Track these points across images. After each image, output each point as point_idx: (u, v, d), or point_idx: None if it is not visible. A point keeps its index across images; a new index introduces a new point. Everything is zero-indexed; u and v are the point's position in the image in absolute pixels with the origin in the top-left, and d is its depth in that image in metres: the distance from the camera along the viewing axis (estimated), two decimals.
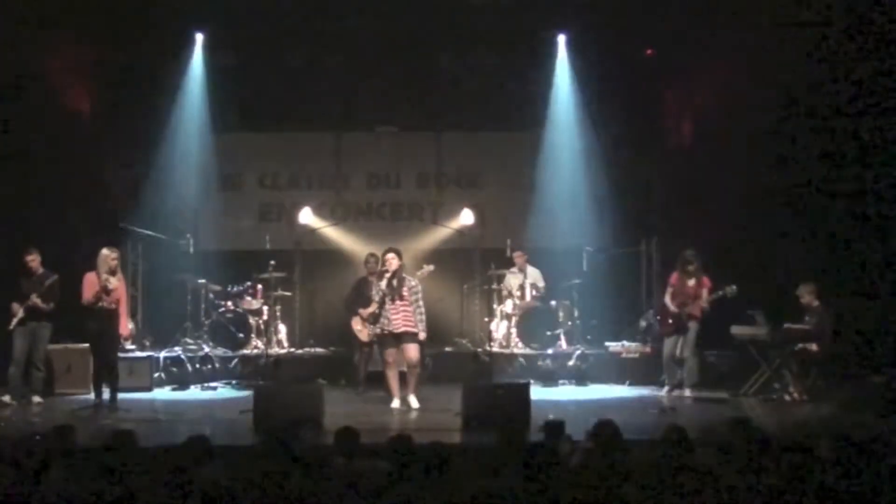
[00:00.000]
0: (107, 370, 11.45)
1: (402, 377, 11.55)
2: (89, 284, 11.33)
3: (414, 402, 11.37)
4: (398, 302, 11.29)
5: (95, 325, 11.36)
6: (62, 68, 13.71)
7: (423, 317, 11.42)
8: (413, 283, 11.42)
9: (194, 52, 14.93)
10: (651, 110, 14.93)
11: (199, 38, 14.93)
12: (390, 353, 11.39)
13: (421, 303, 11.41)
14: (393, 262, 11.30)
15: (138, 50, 14.22)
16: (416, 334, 11.31)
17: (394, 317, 11.28)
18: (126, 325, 11.81)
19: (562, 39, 15.29)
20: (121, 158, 14.55)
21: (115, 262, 11.43)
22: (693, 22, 13.77)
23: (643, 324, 14.26)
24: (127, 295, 12.06)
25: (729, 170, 14.06)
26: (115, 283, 11.40)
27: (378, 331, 11.68)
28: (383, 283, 11.34)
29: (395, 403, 11.41)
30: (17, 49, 13.03)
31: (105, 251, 11.43)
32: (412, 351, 11.31)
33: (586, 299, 14.68)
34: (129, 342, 13.29)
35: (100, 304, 11.28)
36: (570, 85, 15.35)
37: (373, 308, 12.32)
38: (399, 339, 11.32)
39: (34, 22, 13.00)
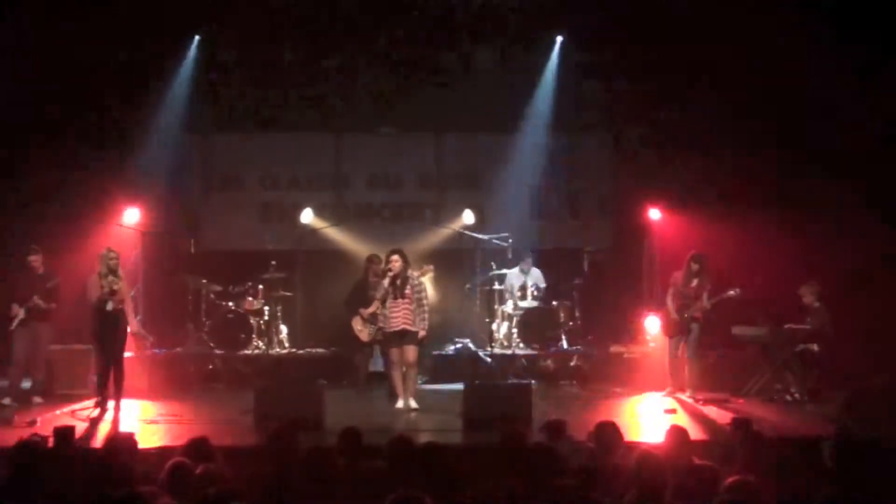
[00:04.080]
0: (114, 371, 11.46)
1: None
2: (93, 286, 11.35)
3: (412, 402, 11.38)
4: (400, 300, 11.31)
5: (103, 327, 11.36)
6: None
7: (426, 314, 11.46)
8: (416, 282, 11.46)
9: (193, 52, 14.90)
10: (653, 110, 14.88)
11: (197, 37, 14.90)
12: (394, 353, 11.41)
13: (424, 301, 11.45)
14: (396, 263, 11.33)
15: (138, 48, 14.20)
16: (415, 333, 11.34)
17: (393, 315, 11.31)
18: (135, 322, 11.82)
19: (559, 40, 15.26)
20: (122, 158, 14.49)
21: (114, 263, 11.44)
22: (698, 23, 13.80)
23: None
24: (129, 294, 11.99)
25: (732, 170, 14.06)
26: (118, 284, 11.41)
27: (379, 331, 11.80)
28: (386, 283, 11.36)
29: (400, 404, 11.40)
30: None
31: (104, 252, 11.44)
32: (410, 352, 11.35)
33: (587, 300, 14.68)
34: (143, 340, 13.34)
35: (106, 305, 11.30)
36: (571, 86, 15.33)
37: (373, 308, 12.35)
38: (399, 337, 11.32)
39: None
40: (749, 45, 13.58)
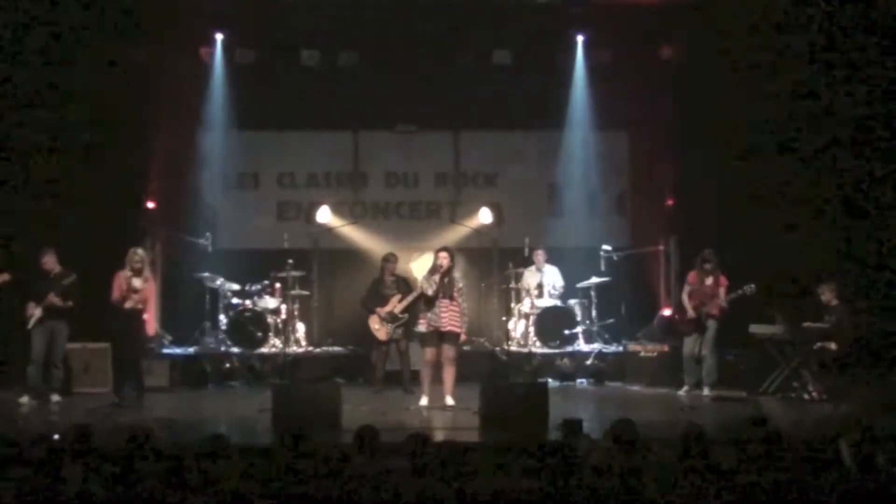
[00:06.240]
0: (132, 369, 11.50)
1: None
2: (117, 283, 11.43)
3: (450, 399, 11.32)
4: (447, 301, 11.30)
5: (120, 325, 11.44)
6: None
7: (467, 318, 11.51)
8: (461, 286, 11.46)
9: (216, 52, 14.94)
10: (670, 110, 14.84)
11: (219, 37, 14.95)
12: (431, 351, 11.35)
13: (465, 305, 11.47)
14: (445, 260, 11.33)
15: (159, 48, 14.24)
16: (458, 335, 11.35)
17: (443, 314, 11.27)
18: (153, 326, 11.86)
19: (580, 40, 15.25)
20: (140, 157, 14.50)
21: (138, 264, 11.50)
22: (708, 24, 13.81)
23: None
24: (153, 295, 12.02)
25: (748, 167, 14.02)
26: (139, 284, 11.46)
27: (398, 329, 12.08)
28: (437, 279, 11.34)
29: (424, 401, 11.35)
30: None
31: (130, 252, 11.54)
32: (451, 350, 11.32)
33: (604, 298, 14.67)
34: (152, 343, 13.40)
35: (126, 303, 11.37)
36: (588, 85, 15.32)
37: (391, 307, 12.35)
38: (442, 337, 11.32)
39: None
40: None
